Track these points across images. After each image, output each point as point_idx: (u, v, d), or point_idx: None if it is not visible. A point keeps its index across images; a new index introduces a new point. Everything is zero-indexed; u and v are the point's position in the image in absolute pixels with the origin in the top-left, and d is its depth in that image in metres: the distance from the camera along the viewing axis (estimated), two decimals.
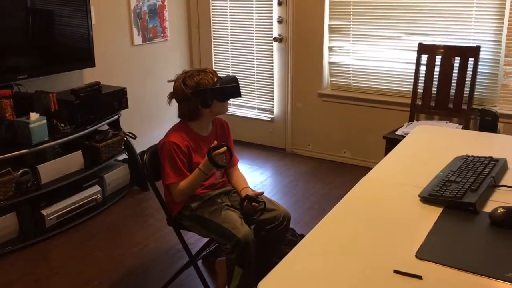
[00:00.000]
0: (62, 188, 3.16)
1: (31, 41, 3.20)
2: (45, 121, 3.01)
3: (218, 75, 2.26)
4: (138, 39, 4.14)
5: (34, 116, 2.95)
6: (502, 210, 1.43)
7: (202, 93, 2.17)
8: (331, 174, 4.05)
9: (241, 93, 2.29)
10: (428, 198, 1.58)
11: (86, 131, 3.30)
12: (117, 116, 3.62)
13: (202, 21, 4.71)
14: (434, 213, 1.50)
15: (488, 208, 1.50)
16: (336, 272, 1.22)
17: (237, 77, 2.29)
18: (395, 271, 1.21)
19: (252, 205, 2.17)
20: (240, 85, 2.27)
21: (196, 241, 2.90)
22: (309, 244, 1.37)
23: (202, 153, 2.25)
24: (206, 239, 2.60)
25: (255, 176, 4.01)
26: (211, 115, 2.28)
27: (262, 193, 2.24)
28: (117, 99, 3.56)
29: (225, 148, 2.14)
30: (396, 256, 1.29)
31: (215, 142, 2.16)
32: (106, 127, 3.61)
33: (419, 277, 1.18)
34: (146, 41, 4.23)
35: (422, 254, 1.29)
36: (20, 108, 3.02)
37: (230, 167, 2.44)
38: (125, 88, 3.64)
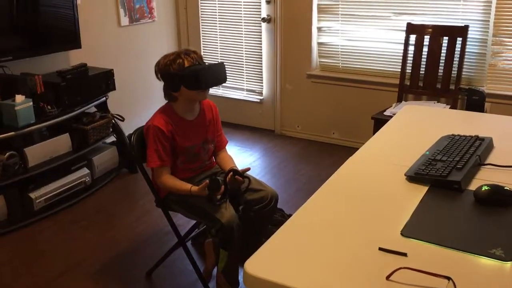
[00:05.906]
0: (50, 171, 3.15)
1: (16, 22, 3.14)
2: (31, 103, 2.98)
3: (200, 62, 2.14)
4: (125, 20, 4.08)
5: (19, 98, 2.92)
6: (486, 188, 1.44)
7: (167, 76, 2.15)
8: (320, 155, 4.07)
9: (211, 84, 2.16)
10: (414, 177, 1.59)
11: (74, 113, 3.27)
12: (104, 98, 3.59)
13: (189, 2, 4.65)
14: (419, 191, 1.52)
15: (473, 186, 1.52)
16: (322, 250, 1.23)
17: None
18: (380, 249, 1.22)
19: (235, 178, 2.15)
20: (213, 70, 2.12)
21: (185, 222, 2.91)
22: (296, 223, 1.37)
23: (187, 137, 2.23)
24: (195, 221, 2.61)
25: (244, 158, 4.02)
26: (185, 100, 2.21)
27: (249, 169, 2.22)
28: (104, 81, 3.53)
29: (223, 187, 2.08)
30: (382, 234, 1.30)
31: (206, 181, 2.07)
32: (94, 109, 3.58)
33: (404, 254, 1.19)
34: (133, 22, 4.17)
35: (407, 232, 1.30)
36: (5, 90, 2.98)
37: (219, 150, 2.43)
38: (112, 69, 3.60)
